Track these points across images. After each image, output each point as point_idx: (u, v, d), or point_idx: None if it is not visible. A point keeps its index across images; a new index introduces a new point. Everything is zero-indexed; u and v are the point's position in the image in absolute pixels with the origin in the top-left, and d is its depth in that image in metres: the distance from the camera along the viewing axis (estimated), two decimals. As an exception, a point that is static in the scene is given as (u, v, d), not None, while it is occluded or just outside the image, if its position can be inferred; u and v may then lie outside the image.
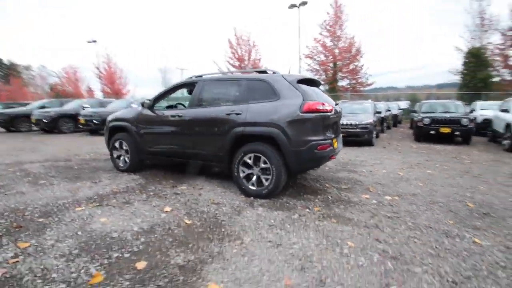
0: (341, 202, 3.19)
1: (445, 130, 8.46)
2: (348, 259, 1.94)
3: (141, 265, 1.85)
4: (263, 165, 3.22)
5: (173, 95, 4.70)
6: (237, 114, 3.35)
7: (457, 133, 8.42)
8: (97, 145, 7.85)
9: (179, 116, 3.83)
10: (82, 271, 1.79)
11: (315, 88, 3.54)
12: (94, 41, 22.85)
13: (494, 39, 16.36)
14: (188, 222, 2.58)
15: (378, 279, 1.73)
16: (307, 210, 2.92)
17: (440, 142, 8.82)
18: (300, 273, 1.77)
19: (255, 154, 3.25)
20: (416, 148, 7.81)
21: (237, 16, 64.53)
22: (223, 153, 3.50)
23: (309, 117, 3.06)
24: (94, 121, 9.96)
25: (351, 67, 19.18)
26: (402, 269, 1.83)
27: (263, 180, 3.24)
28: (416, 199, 3.31)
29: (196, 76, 4.12)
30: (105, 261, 1.90)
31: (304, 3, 17.74)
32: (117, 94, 27.38)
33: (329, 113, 3.21)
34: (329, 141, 3.20)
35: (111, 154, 4.66)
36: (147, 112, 4.22)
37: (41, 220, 2.59)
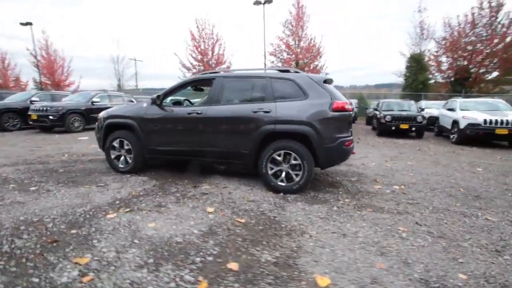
0: (363, 193, 3.51)
1: (404, 126, 9.69)
2: (410, 241, 2.22)
3: (233, 266, 1.84)
4: (293, 162, 3.34)
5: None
6: (266, 112, 3.40)
7: (413, 128, 9.71)
8: (62, 144, 6.95)
9: (197, 113, 3.69)
10: (178, 279, 1.70)
11: (333, 87, 3.77)
12: (30, 24, 19.58)
13: (431, 47, 19.07)
14: (242, 220, 2.58)
15: (444, 255, 2.03)
16: (340, 202, 3.15)
17: (398, 136, 10.05)
18: (383, 258, 1.97)
19: (286, 151, 3.35)
20: (383, 143, 8.78)
21: (201, 8, 61.61)
22: (248, 150, 3.51)
23: (338, 116, 3.28)
24: (50, 116, 8.71)
25: (312, 66, 20.22)
26: (454, 245, 2.18)
27: (294, 176, 3.36)
28: (418, 187, 3.82)
29: (211, 72, 4.00)
30: (193, 267, 1.83)
31: (269, 1, 18.05)
32: (58, 85, 24.08)
33: (351, 112, 3.49)
34: (352, 137, 3.48)
35: (108, 155, 4.23)
36: (155, 108, 3.95)
37: (74, 231, 2.30)
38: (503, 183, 4.09)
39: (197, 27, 20.99)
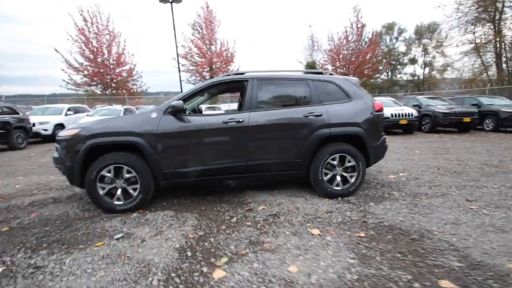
0: (394, 183, 3.87)
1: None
2: (496, 215, 2.63)
3: (445, 283, 1.67)
4: (348, 164, 3.31)
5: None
6: (317, 115, 3.22)
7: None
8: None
9: (237, 121, 3.07)
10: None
11: None
12: None
13: (320, 57, 22.95)
14: (362, 234, 2.35)
15: (527, 221, 2.54)
16: (395, 196, 3.36)
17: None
18: (507, 234, 2.27)
19: (341, 154, 3.27)
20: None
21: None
22: (301, 158, 3.23)
23: (379, 116, 3.49)
24: None
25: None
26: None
27: (348, 178, 3.33)
28: (416, 171, 4.54)
29: (235, 74, 3.41)
30: (422, 300, 1.54)
31: (177, 1, 16.87)
32: None
33: (383, 112, 3.77)
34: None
35: (92, 190, 2.90)
36: (171, 119, 3.01)
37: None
38: (454, 160, 5.45)
39: (84, 19, 17.21)
